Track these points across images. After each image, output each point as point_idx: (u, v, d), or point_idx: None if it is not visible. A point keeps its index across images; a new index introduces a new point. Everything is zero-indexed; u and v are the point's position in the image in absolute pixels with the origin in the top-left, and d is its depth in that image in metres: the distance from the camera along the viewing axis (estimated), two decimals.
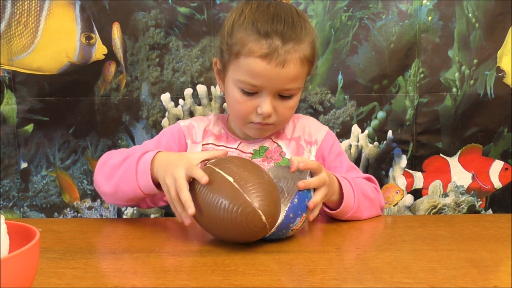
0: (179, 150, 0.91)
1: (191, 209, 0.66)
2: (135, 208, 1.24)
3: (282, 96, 0.83)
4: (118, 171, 0.79)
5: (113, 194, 0.81)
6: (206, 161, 0.74)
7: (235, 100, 0.84)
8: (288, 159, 0.83)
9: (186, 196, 0.67)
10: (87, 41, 1.18)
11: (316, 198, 0.72)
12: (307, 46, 0.81)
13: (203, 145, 0.92)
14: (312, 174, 0.74)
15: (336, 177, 0.80)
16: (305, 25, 0.82)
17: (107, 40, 1.18)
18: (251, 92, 0.82)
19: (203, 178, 0.65)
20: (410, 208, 1.24)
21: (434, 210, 1.23)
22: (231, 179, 0.64)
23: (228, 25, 0.84)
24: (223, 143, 0.92)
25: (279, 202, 0.67)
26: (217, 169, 0.66)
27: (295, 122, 0.95)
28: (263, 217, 0.62)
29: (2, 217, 0.50)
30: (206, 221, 0.66)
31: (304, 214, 0.70)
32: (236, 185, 0.63)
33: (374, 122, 1.20)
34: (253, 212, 0.62)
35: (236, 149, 0.91)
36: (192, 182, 0.69)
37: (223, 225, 0.64)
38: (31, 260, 0.47)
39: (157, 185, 0.75)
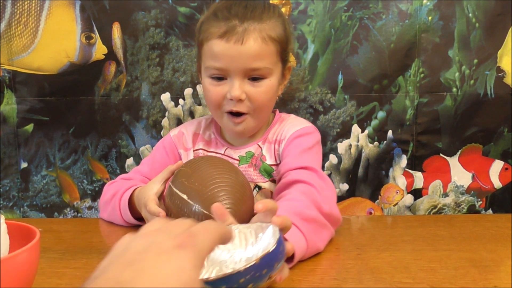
0: (175, 161, 0.88)
1: None
2: None
3: (252, 79, 0.81)
4: (108, 207, 0.84)
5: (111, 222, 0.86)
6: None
7: (207, 89, 0.84)
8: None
9: None
10: (87, 41, 1.18)
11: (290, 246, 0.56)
12: (270, 26, 0.81)
13: (194, 150, 0.91)
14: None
15: None
16: (270, 10, 0.82)
17: (107, 40, 1.18)
18: (219, 77, 0.81)
19: (159, 214, 0.69)
20: (410, 208, 1.24)
21: (434, 210, 1.23)
22: (185, 196, 0.65)
23: (198, 24, 0.86)
24: (213, 148, 0.90)
25: (242, 197, 0.66)
26: (174, 188, 0.67)
27: (280, 123, 0.90)
28: None
29: (2, 217, 0.50)
30: None
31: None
32: (190, 202, 0.64)
33: (374, 122, 1.20)
34: None
35: (223, 154, 0.89)
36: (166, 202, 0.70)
37: None
38: (31, 260, 0.47)
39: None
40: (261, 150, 0.88)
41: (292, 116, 0.92)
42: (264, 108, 0.84)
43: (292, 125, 0.88)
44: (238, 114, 0.82)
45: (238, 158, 0.88)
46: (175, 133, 0.94)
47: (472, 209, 1.23)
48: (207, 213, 0.62)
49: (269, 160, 0.86)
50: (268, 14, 0.81)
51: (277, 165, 0.85)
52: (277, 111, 0.92)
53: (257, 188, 0.87)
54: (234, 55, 0.78)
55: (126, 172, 1.08)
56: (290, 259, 0.60)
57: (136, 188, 0.81)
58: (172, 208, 0.67)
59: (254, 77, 0.81)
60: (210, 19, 0.82)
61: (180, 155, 0.92)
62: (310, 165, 0.77)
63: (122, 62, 1.19)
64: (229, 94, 0.80)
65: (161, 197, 0.74)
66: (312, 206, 0.68)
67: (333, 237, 0.71)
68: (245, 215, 0.65)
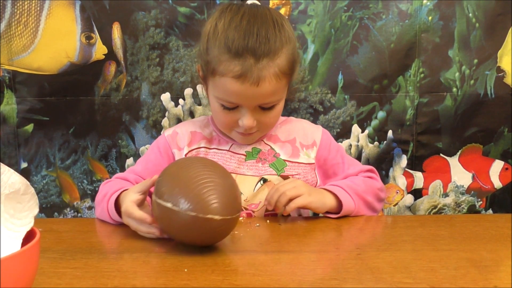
0: (168, 161, 0.91)
1: (156, 232, 0.71)
2: None
3: (264, 108, 0.83)
4: (99, 207, 0.85)
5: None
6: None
7: (217, 113, 0.87)
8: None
9: (144, 231, 0.72)
10: (87, 41, 1.18)
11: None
12: (283, 57, 0.80)
13: (194, 149, 0.92)
14: None
15: (328, 189, 0.85)
16: (281, 34, 0.80)
17: (107, 40, 1.18)
18: (231, 108, 0.83)
19: (146, 219, 0.70)
20: (410, 208, 1.24)
21: (434, 210, 1.23)
22: (169, 205, 0.64)
23: (203, 39, 0.83)
24: (215, 145, 0.92)
25: (229, 194, 0.65)
26: (157, 200, 0.66)
27: (287, 125, 0.95)
28: (217, 216, 0.62)
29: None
30: (179, 239, 0.68)
31: None
32: (176, 208, 0.63)
33: (374, 122, 1.20)
34: (205, 221, 0.62)
35: (228, 150, 0.91)
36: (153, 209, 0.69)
37: (196, 241, 0.66)
38: (31, 260, 0.47)
39: None
40: (271, 148, 0.92)
41: (293, 118, 1.01)
42: (273, 125, 0.91)
43: (310, 129, 0.96)
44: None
45: (244, 153, 0.91)
46: (169, 133, 0.95)
47: (472, 209, 1.23)
48: (194, 214, 0.61)
49: (284, 156, 0.92)
50: (281, 42, 0.80)
51: (295, 162, 0.92)
52: None
53: (261, 181, 0.89)
54: (249, 95, 0.80)
55: None
56: (337, 209, 0.84)
57: (123, 191, 0.80)
58: (162, 220, 0.66)
59: (265, 107, 0.84)
60: (221, 49, 0.78)
61: (174, 155, 0.93)
62: (370, 167, 0.95)
63: (122, 62, 1.19)
64: (241, 122, 0.83)
65: (140, 205, 0.74)
66: (370, 192, 0.89)
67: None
68: (232, 212, 0.64)
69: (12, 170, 0.50)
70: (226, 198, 0.64)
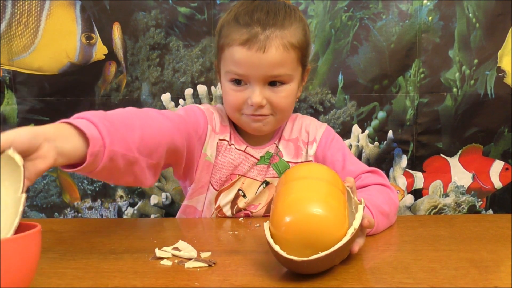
0: (203, 131, 0.85)
1: None
2: (135, 208, 1.24)
3: (273, 85, 0.82)
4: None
5: None
6: None
7: (226, 93, 0.85)
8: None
9: None
10: (88, 41, 1.18)
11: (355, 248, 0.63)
12: (292, 32, 0.81)
13: (220, 140, 0.88)
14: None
15: None
16: (291, 14, 0.82)
17: (107, 40, 1.18)
18: (240, 83, 0.82)
19: None
20: (410, 208, 1.24)
21: (434, 210, 1.23)
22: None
23: (218, 28, 0.86)
24: (233, 141, 0.90)
25: None
26: None
27: (293, 122, 0.94)
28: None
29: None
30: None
31: None
32: None
33: (374, 122, 1.20)
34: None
35: (244, 151, 0.89)
36: None
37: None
38: (33, 244, 0.47)
39: None
40: (278, 148, 0.91)
41: (299, 114, 0.97)
42: (285, 111, 0.87)
43: (313, 126, 0.93)
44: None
45: (258, 158, 0.89)
46: (205, 108, 0.89)
47: (472, 209, 1.23)
48: None
49: (287, 157, 0.90)
50: (290, 20, 0.81)
51: (297, 162, 0.90)
52: None
53: (264, 184, 0.88)
54: (256, 63, 0.79)
55: None
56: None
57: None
58: None
59: (275, 82, 0.82)
60: (232, 24, 0.81)
61: (207, 131, 0.87)
62: (373, 168, 0.88)
63: (123, 62, 1.19)
64: (250, 100, 0.81)
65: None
66: (387, 202, 0.79)
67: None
68: None
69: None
70: None
